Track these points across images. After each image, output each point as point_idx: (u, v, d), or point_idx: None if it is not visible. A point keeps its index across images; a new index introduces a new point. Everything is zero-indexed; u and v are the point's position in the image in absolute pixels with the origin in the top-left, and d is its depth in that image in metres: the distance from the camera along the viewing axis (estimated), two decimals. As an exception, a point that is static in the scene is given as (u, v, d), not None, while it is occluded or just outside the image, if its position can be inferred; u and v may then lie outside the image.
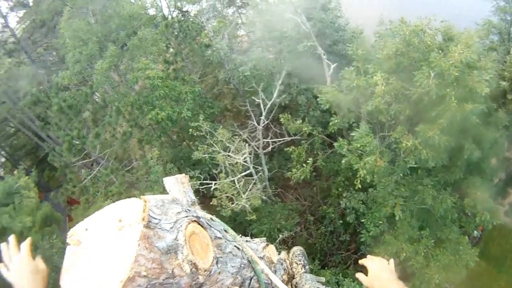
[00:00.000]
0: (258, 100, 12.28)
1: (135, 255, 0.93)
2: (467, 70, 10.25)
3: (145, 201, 1.05)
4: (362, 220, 12.38)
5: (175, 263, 1.02)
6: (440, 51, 10.41)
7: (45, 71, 21.01)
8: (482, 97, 10.10)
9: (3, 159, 25.82)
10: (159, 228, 1.01)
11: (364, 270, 1.81)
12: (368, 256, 1.82)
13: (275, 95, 12.32)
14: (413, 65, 10.60)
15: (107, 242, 1.02)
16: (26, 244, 1.43)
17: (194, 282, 1.08)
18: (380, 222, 11.93)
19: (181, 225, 1.07)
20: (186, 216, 1.12)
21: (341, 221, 13.80)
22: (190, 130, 11.65)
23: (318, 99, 12.89)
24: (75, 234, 1.13)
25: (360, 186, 11.70)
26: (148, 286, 0.95)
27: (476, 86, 9.87)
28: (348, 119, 12.50)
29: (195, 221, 1.15)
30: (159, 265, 0.97)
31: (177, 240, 1.04)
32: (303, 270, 2.34)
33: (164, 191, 1.76)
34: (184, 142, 14.53)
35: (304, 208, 14.25)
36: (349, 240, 13.70)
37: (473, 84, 9.96)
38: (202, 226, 1.17)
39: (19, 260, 1.36)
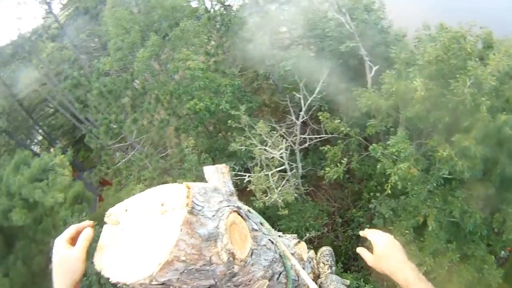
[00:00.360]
0: (298, 95, 12.32)
1: (177, 239, 0.93)
2: (506, 80, 9.87)
3: (189, 188, 1.05)
4: (390, 228, 12.18)
5: (213, 250, 1.02)
6: (477, 59, 10.12)
7: (87, 57, 21.89)
8: None
9: (40, 137, 27.08)
10: (202, 215, 1.02)
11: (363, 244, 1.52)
12: (371, 230, 1.48)
13: (317, 90, 12.30)
14: (453, 72, 10.46)
15: (147, 225, 1.02)
16: (70, 229, 1.25)
17: (229, 271, 1.09)
18: (406, 231, 11.71)
19: (222, 214, 1.08)
20: (228, 206, 1.13)
21: (368, 226, 13.61)
22: (229, 121, 11.80)
23: (357, 102, 12.80)
24: (113, 213, 1.14)
25: (390, 191, 11.53)
26: (185, 271, 0.96)
27: None
28: (385, 123, 12.33)
29: (236, 211, 1.16)
30: (198, 252, 0.98)
31: (218, 229, 1.05)
32: (329, 270, 2.32)
33: (196, 180, 1.77)
34: (220, 134, 14.77)
35: (334, 209, 14.19)
36: (374, 246, 13.49)
37: (511, 94, 9.59)
38: (242, 217, 1.18)
39: (56, 243, 1.22)
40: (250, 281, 1.20)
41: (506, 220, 11.03)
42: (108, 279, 0.99)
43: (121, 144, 15.97)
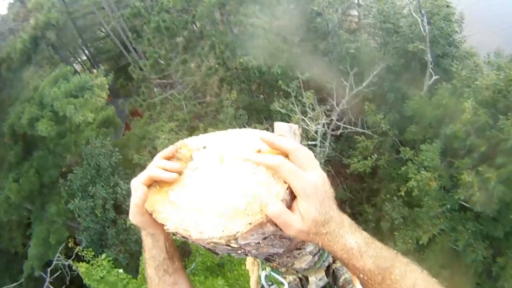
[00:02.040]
0: (346, 83, 12.73)
1: (281, 199, 0.80)
2: None
3: None
4: (395, 233, 12.62)
5: None
6: None
7: (151, -10, 22.72)
8: None
9: (84, 58, 28.45)
10: None
11: None
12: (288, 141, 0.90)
13: (365, 83, 12.67)
14: (508, 109, 10.76)
15: (234, 172, 0.88)
16: (144, 174, 0.96)
17: (301, 243, 1.03)
18: (410, 241, 12.16)
19: None
20: None
21: (373, 225, 14.02)
22: (280, 82, 12.25)
23: (404, 105, 13.08)
24: (185, 147, 1.01)
25: (405, 199, 11.97)
26: (271, 236, 0.85)
27: None
28: (425, 133, 12.63)
29: None
30: None
31: None
32: None
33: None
34: (262, 96, 15.39)
35: (346, 199, 14.65)
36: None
37: None
38: None
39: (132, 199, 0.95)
40: (299, 254, 1.15)
41: (506, 267, 11.17)
42: (163, 226, 0.85)
43: (163, 81, 16.84)
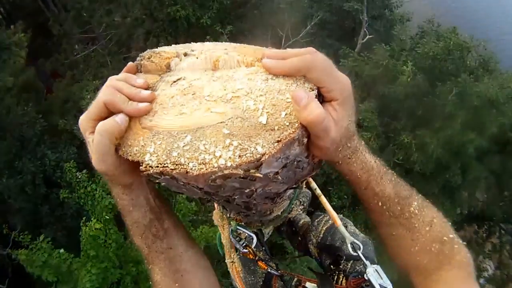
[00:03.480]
0: (282, 33, 12.57)
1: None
2: (487, 104, 10.95)
3: None
4: (330, 188, 12.92)
5: None
6: (472, 76, 11.23)
7: None
8: (488, 136, 10.87)
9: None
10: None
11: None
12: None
13: (301, 34, 12.58)
14: (444, 75, 11.32)
15: (240, 80, 0.68)
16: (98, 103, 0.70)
17: (307, 175, 0.86)
18: (345, 196, 12.45)
19: None
20: None
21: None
22: (208, 36, 11.83)
23: (340, 63, 13.17)
24: (157, 56, 0.80)
25: None
26: (294, 162, 0.68)
27: (487, 123, 10.69)
28: (360, 92, 12.87)
29: None
30: None
31: None
32: (301, 211, 2.36)
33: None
34: None
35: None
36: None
37: (486, 121, 10.75)
38: None
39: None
40: (282, 198, 1.03)
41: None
42: (139, 164, 0.62)
43: (85, 35, 15.50)
